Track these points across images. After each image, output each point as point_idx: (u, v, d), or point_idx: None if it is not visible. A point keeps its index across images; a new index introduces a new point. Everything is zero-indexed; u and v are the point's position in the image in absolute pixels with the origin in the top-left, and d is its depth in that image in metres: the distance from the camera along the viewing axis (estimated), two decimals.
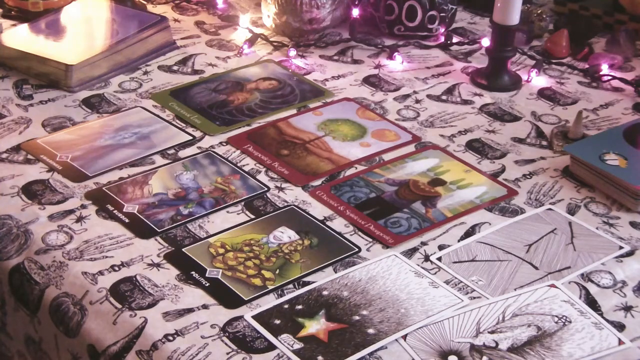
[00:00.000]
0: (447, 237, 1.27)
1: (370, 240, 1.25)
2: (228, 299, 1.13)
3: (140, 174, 1.37)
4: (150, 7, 1.90)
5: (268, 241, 1.23)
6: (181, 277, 1.16)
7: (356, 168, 1.41)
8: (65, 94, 1.58)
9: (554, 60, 1.78)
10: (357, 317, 1.11)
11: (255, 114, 1.55)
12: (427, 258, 1.22)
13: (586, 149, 1.41)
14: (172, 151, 1.43)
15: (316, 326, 1.09)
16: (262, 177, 1.38)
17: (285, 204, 1.32)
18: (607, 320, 1.13)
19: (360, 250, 1.23)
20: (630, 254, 1.26)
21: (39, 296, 1.17)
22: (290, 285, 1.16)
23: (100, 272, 1.16)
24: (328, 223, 1.28)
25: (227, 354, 1.05)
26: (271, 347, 1.06)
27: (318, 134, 1.49)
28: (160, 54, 1.72)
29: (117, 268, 1.17)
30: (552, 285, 1.18)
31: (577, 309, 1.14)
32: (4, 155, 1.40)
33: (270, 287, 1.15)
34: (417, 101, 1.62)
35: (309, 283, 1.16)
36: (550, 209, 1.34)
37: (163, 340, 1.07)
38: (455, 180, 1.39)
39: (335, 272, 1.18)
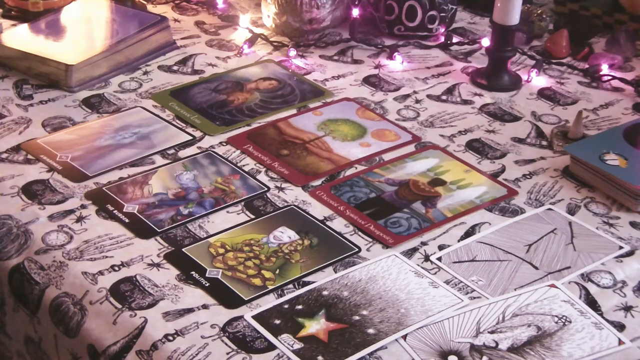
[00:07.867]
0: (447, 237, 1.27)
1: (370, 240, 1.25)
2: (228, 299, 1.13)
3: (140, 174, 1.36)
4: (150, 7, 1.90)
5: (268, 241, 1.23)
6: (181, 277, 1.16)
7: (356, 168, 1.41)
8: (65, 94, 1.57)
9: (554, 60, 1.78)
10: (357, 317, 1.10)
11: (255, 114, 1.55)
12: (427, 258, 1.22)
13: (586, 149, 1.41)
14: (172, 151, 1.43)
15: (316, 326, 1.09)
16: (262, 177, 1.38)
17: (285, 204, 1.32)
18: (607, 320, 1.13)
19: (360, 250, 1.23)
20: (630, 254, 1.25)
21: (39, 296, 1.17)
22: (290, 285, 1.16)
23: (100, 272, 1.16)
24: (328, 223, 1.28)
25: (227, 354, 1.05)
26: (271, 347, 1.06)
27: (318, 134, 1.49)
28: (160, 54, 1.72)
29: (117, 268, 1.17)
30: (552, 285, 1.18)
31: (577, 309, 1.14)
32: (4, 155, 1.39)
33: (270, 287, 1.15)
34: (417, 101, 1.62)
35: (309, 283, 1.16)
36: (550, 209, 1.33)
37: (163, 340, 1.07)
38: (455, 180, 1.39)
39: (335, 272, 1.18)
